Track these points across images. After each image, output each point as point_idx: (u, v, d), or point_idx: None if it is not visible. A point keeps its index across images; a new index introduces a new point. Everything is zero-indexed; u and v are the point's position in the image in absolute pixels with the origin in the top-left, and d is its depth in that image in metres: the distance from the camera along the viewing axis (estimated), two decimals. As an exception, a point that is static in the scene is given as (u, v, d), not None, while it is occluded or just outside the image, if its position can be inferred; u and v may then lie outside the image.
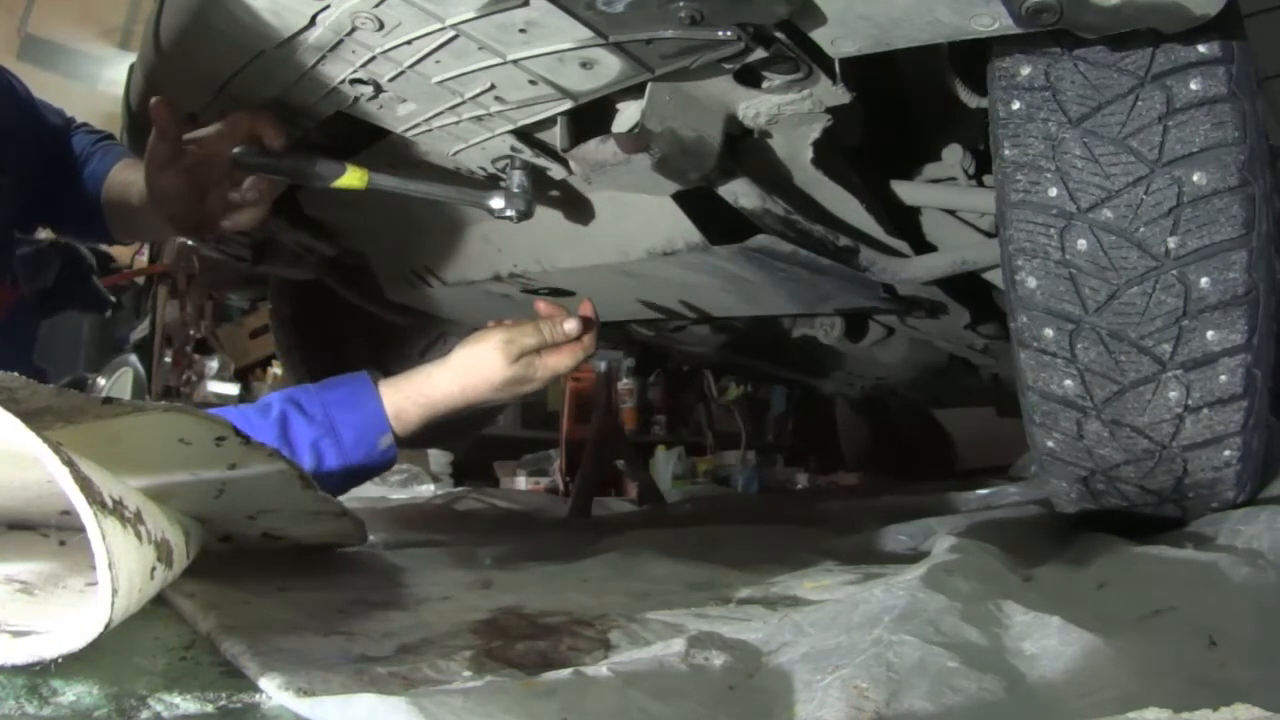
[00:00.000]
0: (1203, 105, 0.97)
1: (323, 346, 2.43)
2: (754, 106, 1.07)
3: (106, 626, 0.56)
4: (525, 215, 1.21)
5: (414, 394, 1.14)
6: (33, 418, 0.57)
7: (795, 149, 1.17)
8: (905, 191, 1.37)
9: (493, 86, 1.03)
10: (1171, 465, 1.08)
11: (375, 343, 2.53)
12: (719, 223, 1.28)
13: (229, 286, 4.53)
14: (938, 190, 1.38)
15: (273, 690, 0.63)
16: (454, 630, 0.84)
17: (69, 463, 0.55)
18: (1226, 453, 1.07)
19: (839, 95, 1.01)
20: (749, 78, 1.00)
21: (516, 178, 1.21)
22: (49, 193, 1.45)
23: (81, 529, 0.56)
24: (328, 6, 0.94)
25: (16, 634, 0.59)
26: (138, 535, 0.62)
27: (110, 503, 0.58)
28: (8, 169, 1.34)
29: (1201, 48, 0.97)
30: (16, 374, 0.60)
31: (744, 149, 1.15)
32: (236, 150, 1.17)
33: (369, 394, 1.12)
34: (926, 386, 2.42)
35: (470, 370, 1.16)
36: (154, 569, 0.66)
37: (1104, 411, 1.07)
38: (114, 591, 0.55)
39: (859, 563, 1.19)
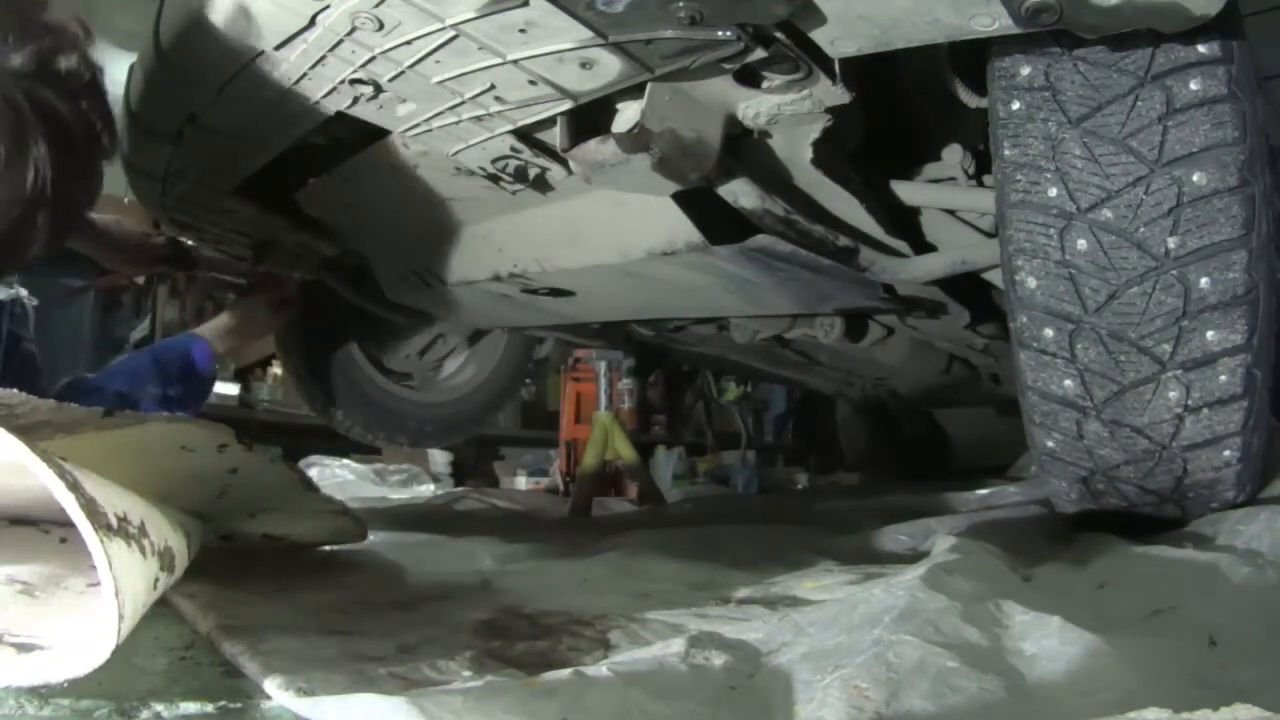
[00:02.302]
0: (1203, 105, 0.97)
1: (323, 347, 2.42)
2: (754, 106, 1.07)
3: (112, 653, 0.56)
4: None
5: (217, 334, 1.81)
6: (33, 431, 0.57)
7: (795, 149, 1.16)
8: (905, 191, 1.37)
9: (493, 86, 1.03)
10: (1171, 465, 1.08)
11: (375, 342, 2.53)
12: (719, 223, 1.28)
13: (229, 287, 4.51)
14: (938, 190, 1.38)
15: (273, 690, 0.63)
16: (454, 630, 0.84)
17: (74, 487, 0.55)
18: (1226, 453, 1.07)
19: (839, 95, 1.01)
20: (749, 78, 1.00)
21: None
22: None
23: (83, 527, 0.56)
24: (327, 7, 0.94)
25: (20, 648, 0.59)
26: (142, 550, 0.62)
27: (115, 521, 0.58)
28: None
29: (1201, 48, 0.96)
30: (15, 390, 0.61)
31: (744, 149, 1.15)
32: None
33: (198, 338, 1.76)
34: (926, 386, 2.41)
35: (245, 321, 1.91)
36: (157, 580, 0.66)
37: (1104, 411, 1.06)
38: (120, 617, 0.55)
39: (859, 563, 1.19)
